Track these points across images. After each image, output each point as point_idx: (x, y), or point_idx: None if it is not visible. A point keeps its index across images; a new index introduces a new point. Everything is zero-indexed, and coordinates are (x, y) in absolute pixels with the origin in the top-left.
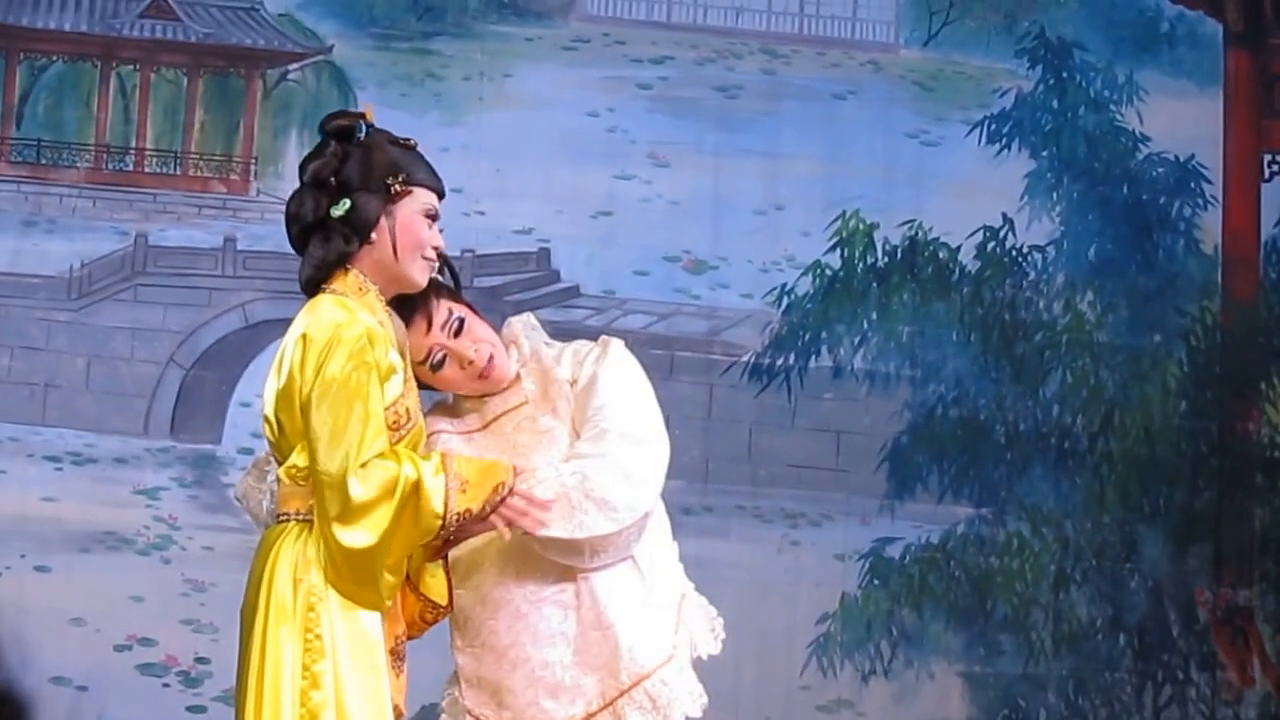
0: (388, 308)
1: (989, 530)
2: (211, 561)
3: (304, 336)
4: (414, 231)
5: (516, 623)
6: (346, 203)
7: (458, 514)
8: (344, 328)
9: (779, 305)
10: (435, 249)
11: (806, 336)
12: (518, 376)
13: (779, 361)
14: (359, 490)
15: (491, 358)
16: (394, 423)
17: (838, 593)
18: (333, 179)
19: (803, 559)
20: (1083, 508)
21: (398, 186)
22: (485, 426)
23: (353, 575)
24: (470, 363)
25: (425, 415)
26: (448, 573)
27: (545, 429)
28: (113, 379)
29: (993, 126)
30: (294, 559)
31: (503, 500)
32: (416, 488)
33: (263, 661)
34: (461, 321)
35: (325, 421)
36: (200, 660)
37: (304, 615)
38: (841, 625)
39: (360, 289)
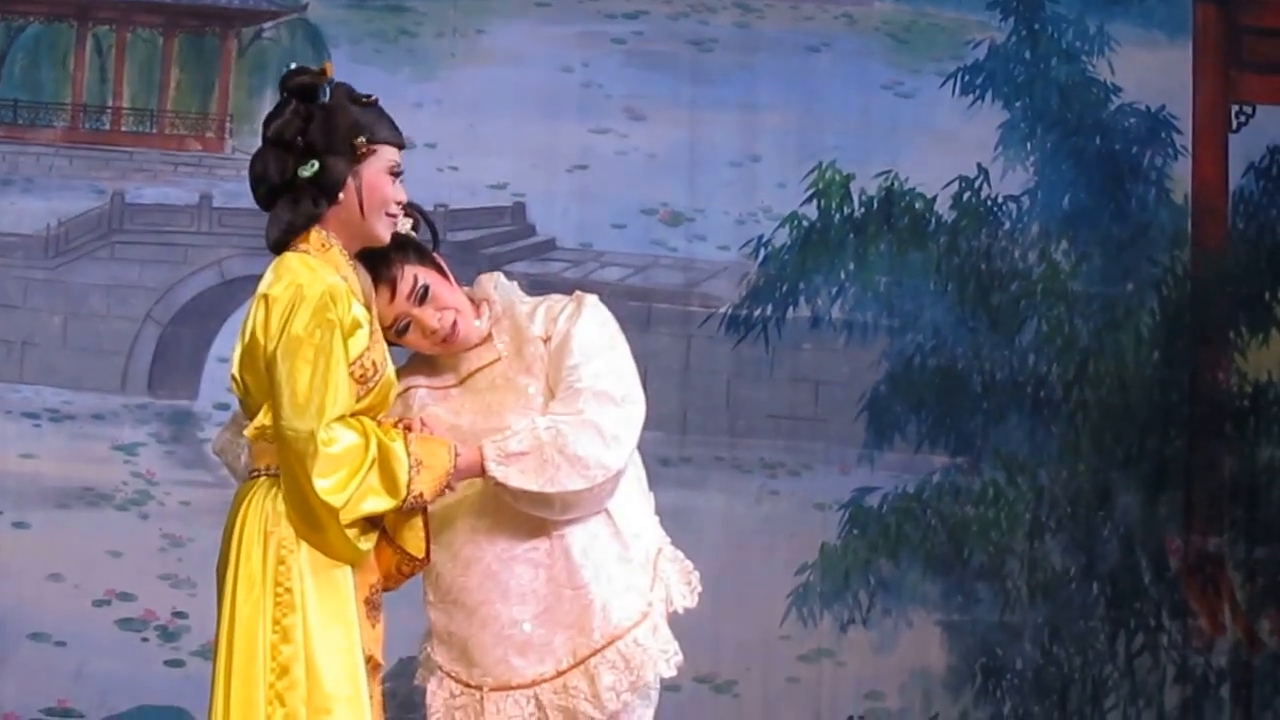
0: (353, 260)
1: (965, 479)
2: (189, 517)
3: (265, 296)
4: (380, 190)
5: (487, 580)
6: (315, 165)
7: (415, 496)
8: (306, 286)
9: (756, 257)
10: (399, 204)
11: (784, 287)
12: (490, 335)
13: (756, 313)
14: (330, 447)
15: (455, 325)
16: (360, 376)
17: (817, 542)
18: (299, 139)
19: (781, 509)
20: (1057, 456)
21: (364, 147)
22: (461, 383)
23: (326, 526)
24: (433, 331)
25: (401, 369)
26: (426, 525)
27: (520, 387)
28: (90, 336)
29: (966, 78)
30: (264, 513)
31: (446, 487)
32: (387, 459)
33: (234, 616)
34: (426, 289)
35: (290, 379)
36: (178, 615)
37: (274, 569)
38: (820, 575)
39: (324, 245)
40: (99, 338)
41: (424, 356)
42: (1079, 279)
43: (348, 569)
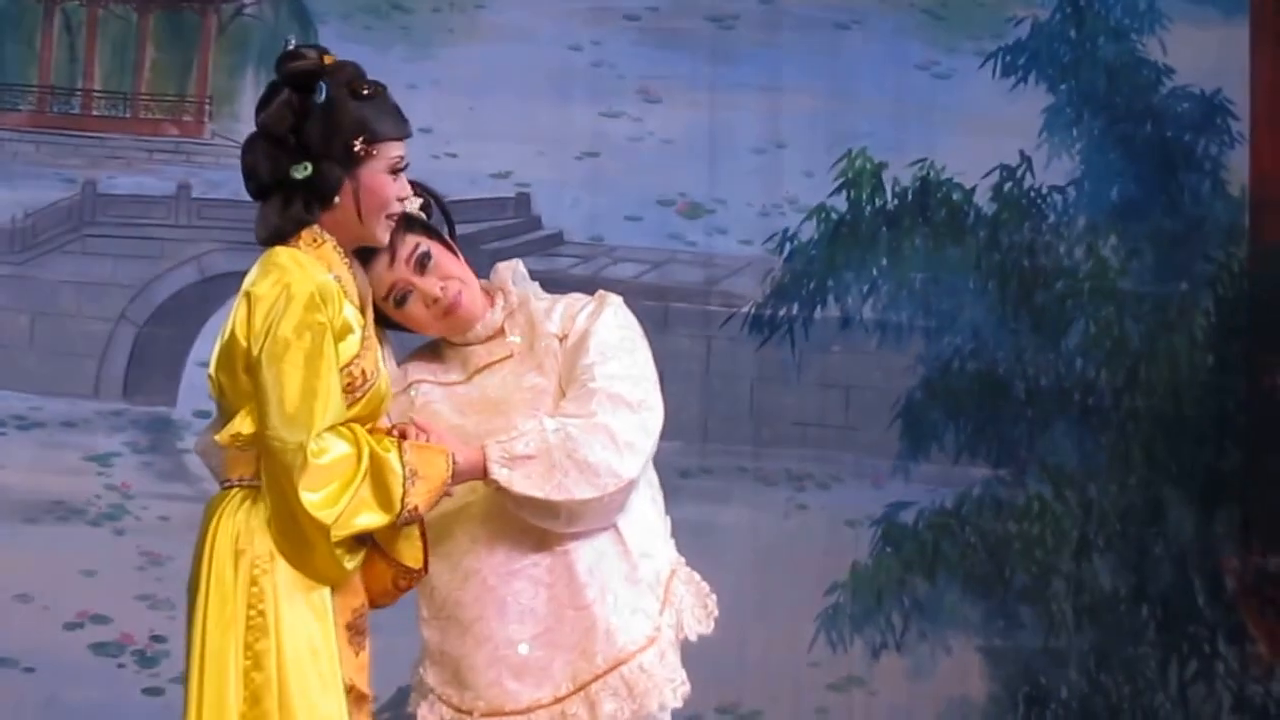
0: (348, 257)
1: (1007, 493)
2: (168, 532)
3: (249, 294)
4: (379, 193)
5: (484, 595)
6: (308, 166)
7: (410, 509)
8: (294, 284)
9: (781, 252)
10: (401, 199)
11: (811, 285)
12: (502, 328)
13: (782, 312)
14: (320, 459)
15: (459, 295)
16: (348, 384)
17: (847, 561)
18: (291, 136)
19: (809, 524)
20: (1106, 468)
21: (362, 150)
22: (469, 379)
23: (314, 544)
24: (435, 300)
25: (405, 362)
26: (424, 535)
27: (529, 385)
28: (60, 337)
29: (1007, 58)
30: (236, 529)
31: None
32: (380, 471)
33: (204, 640)
34: (427, 255)
35: (277, 385)
36: (157, 639)
37: (246, 590)
38: (851, 596)
39: (315, 241)
40: (69, 339)
41: (431, 349)
42: (1129, 277)
43: (326, 591)
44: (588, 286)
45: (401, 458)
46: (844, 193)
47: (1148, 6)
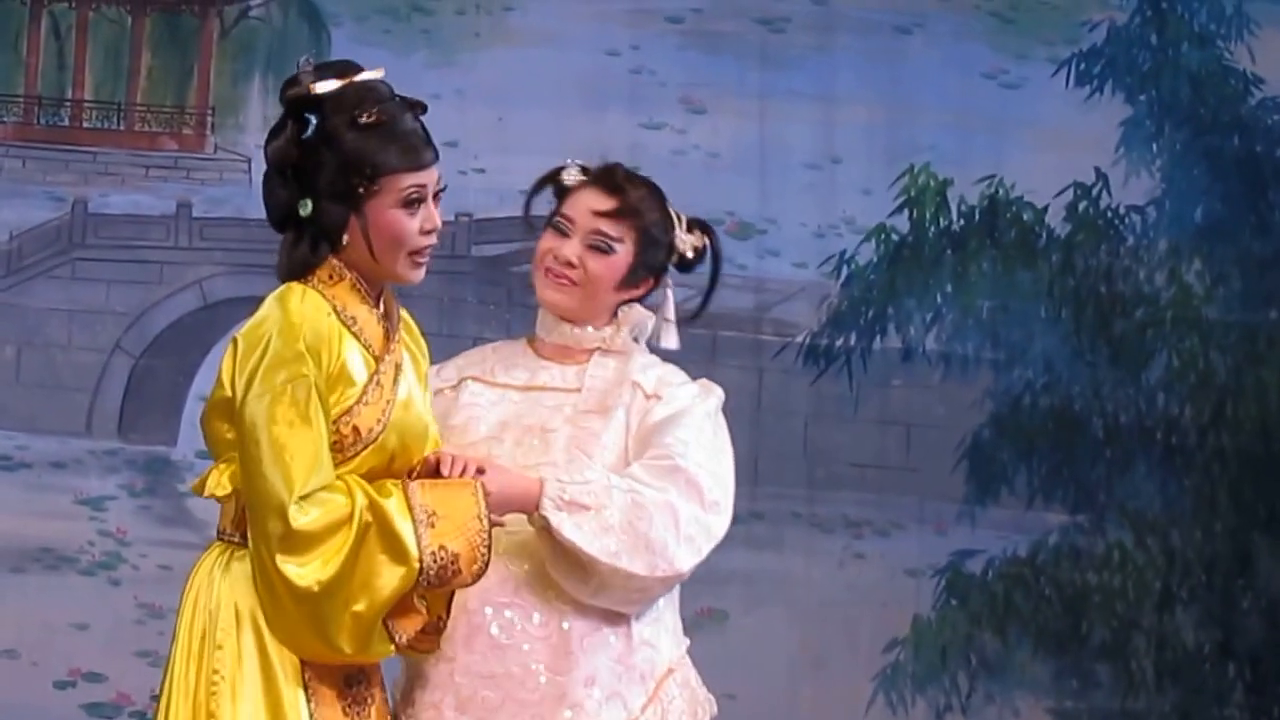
0: (373, 293)
1: (1085, 540)
2: (168, 582)
3: (236, 338)
4: (391, 230)
5: (462, 616)
6: (308, 204)
7: (433, 552)
8: (283, 329)
9: (837, 276)
10: (429, 231)
11: (870, 313)
12: (590, 356)
13: (838, 342)
14: (302, 519)
15: (565, 280)
16: (335, 442)
17: (909, 614)
18: (291, 171)
19: (867, 575)
20: (1190, 513)
21: (363, 186)
22: (526, 389)
23: (306, 620)
24: (549, 254)
25: (465, 354)
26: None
27: (584, 426)
28: (48, 370)
29: (1082, 65)
30: (211, 584)
31: (488, 526)
32: (382, 524)
33: (168, 704)
34: (604, 240)
35: (255, 441)
36: (157, 699)
37: (210, 651)
38: (913, 653)
39: (332, 277)
40: (59, 372)
41: (510, 346)
42: (1215, 304)
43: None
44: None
45: (409, 500)
46: (905, 212)
47: (1235, 10)
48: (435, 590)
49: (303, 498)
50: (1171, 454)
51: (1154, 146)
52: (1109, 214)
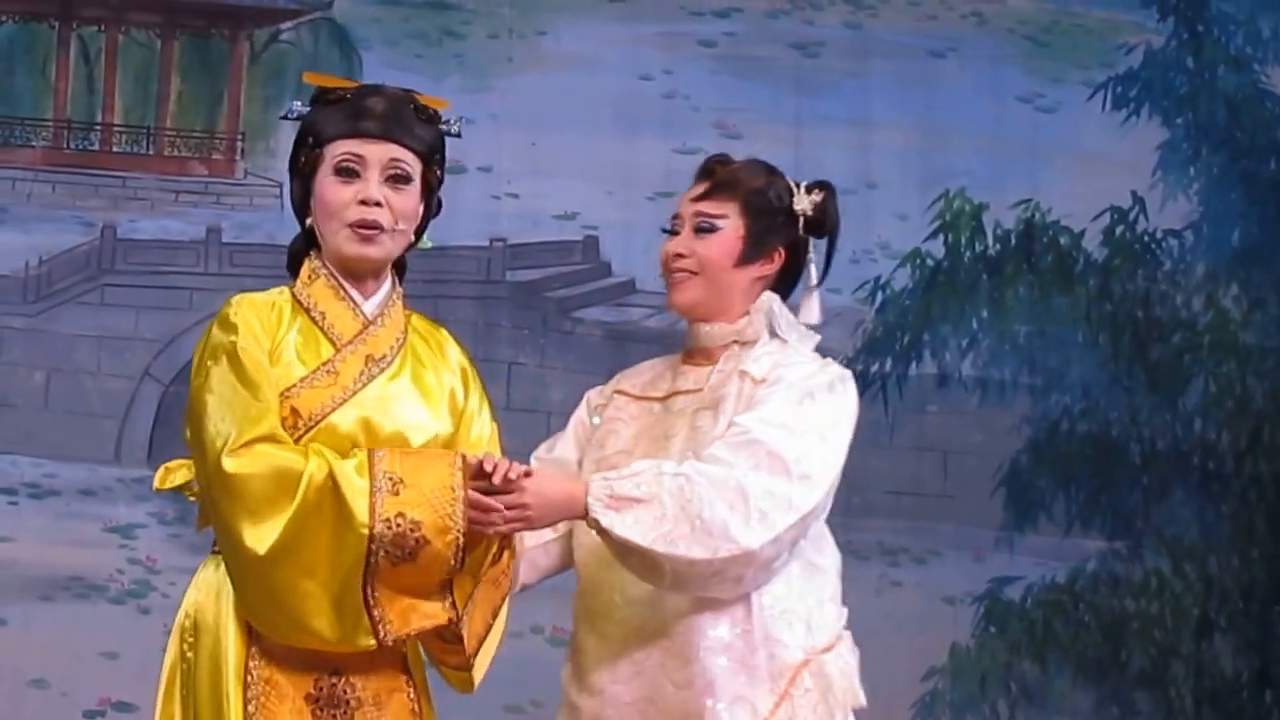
0: (352, 288)
1: (1123, 567)
2: None
3: None
4: (323, 198)
5: (603, 646)
6: (293, 190)
7: (388, 519)
8: (218, 320)
9: (872, 301)
10: (365, 203)
11: (906, 338)
12: (718, 357)
13: (874, 368)
14: (232, 464)
15: (682, 276)
16: (282, 419)
17: (947, 642)
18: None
19: (905, 602)
20: (1228, 540)
21: (305, 155)
22: (665, 398)
23: (263, 591)
24: (669, 255)
25: (626, 374)
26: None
27: (696, 425)
28: (77, 397)
29: (1118, 89)
30: (192, 594)
31: (461, 497)
32: (332, 488)
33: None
34: (709, 223)
35: (196, 412)
36: None
37: (179, 665)
38: (951, 681)
39: (310, 276)
40: (88, 398)
41: (667, 359)
42: (1252, 329)
43: (232, 661)
44: (662, 340)
45: (371, 466)
46: (941, 237)
47: (1271, 34)
48: (407, 565)
49: (238, 447)
50: (1209, 480)
51: (1191, 170)
52: (1146, 238)
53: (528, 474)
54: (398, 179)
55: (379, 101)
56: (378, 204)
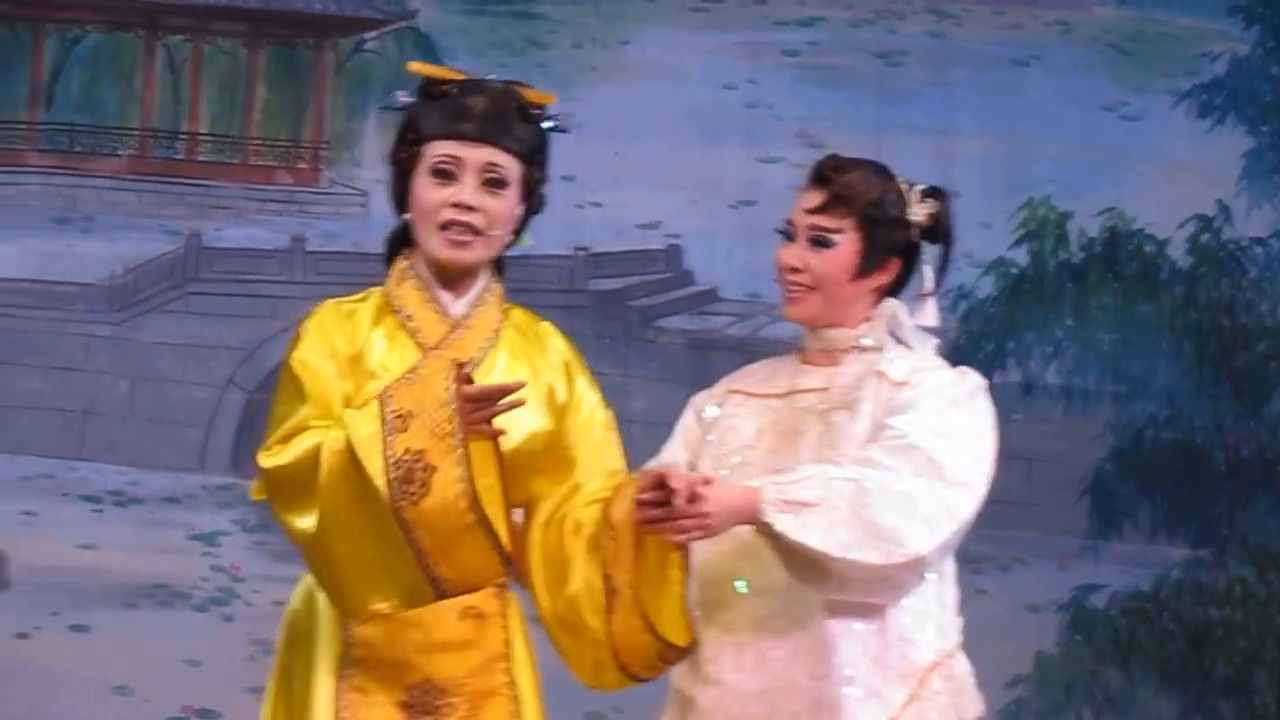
0: (442, 291)
1: (1208, 575)
2: (281, 619)
3: None
4: (418, 198)
5: (724, 637)
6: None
7: (397, 460)
8: (290, 340)
9: (956, 310)
10: (457, 205)
11: (990, 347)
12: (841, 358)
13: None
14: (266, 461)
15: (797, 292)
16: None
17: (1031, 650)
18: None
19: (988, 611)
20: None
21: (405, 151)
22: (785, 395)
23: (325, 572)
24: (787, 268)
25: (740, 373)
26: (684, 601)
27: (831, 421)
28: (161, 405)
29: (1204, 97)
30: (289, 601)
31: (459, 415)
32: (345, 448)
33: None
34: (822, 235)
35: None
36: None
37: (277, 672)
38: (1036, 689)
39: (399, 277)
40: (172, 407)
41: (781, 358)
42: None
43: (325, 669)
44: (744, 348)
45: (383, 409)
46: (1025, 245)
47: None
48: (429, 502)
49: (272, 444)
50: None
51: (1276, 178)
52: (1231, 246)
53: (707, 482)
54: (494, 183)
55: (480, 101)
56: (471, 208)
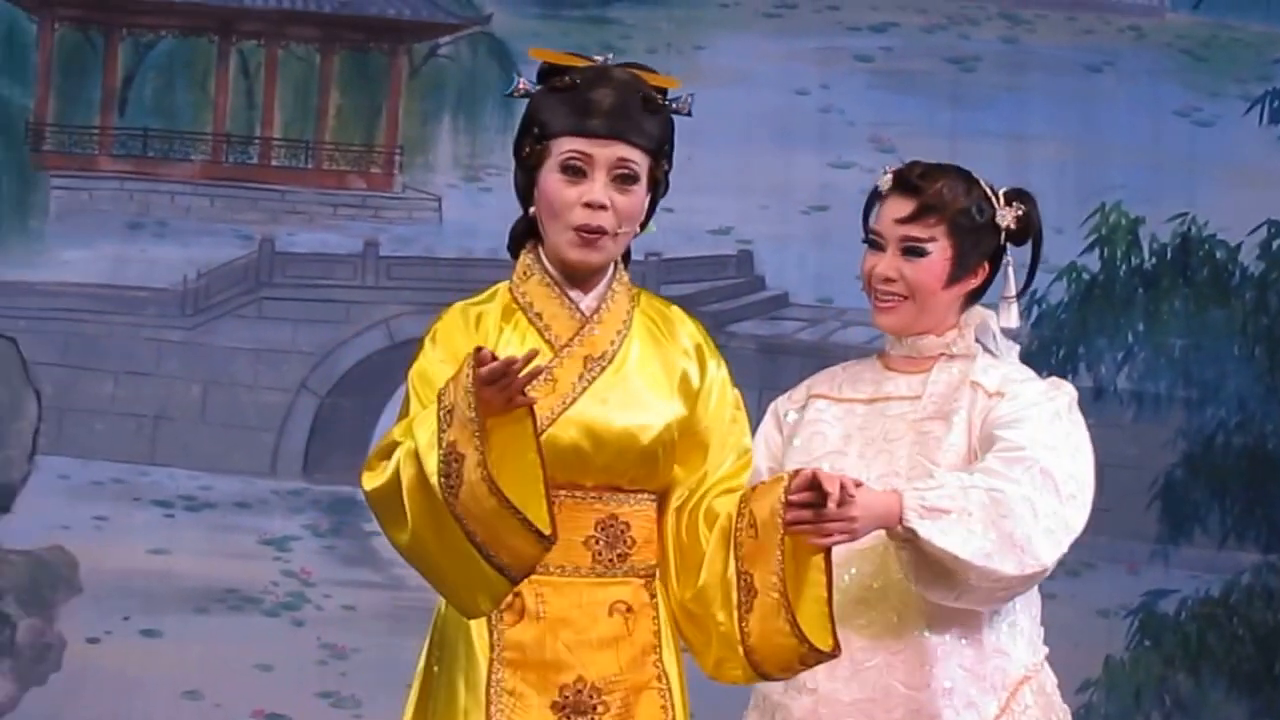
0: (570, 288)
1: (1278, 580)
2: (352, 623)
3: None
4: (546, 196)
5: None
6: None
7: (443, 458)
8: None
9: (1028, 315)
10: (590, 206)
11: (1061, 352)
12: (934, 361)
13: None
14: (366, 483)
15: (890, 300)
16: None
17: (1101, 655)
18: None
19: (1058, 615)
20: None
21: (530, 147)
22: (871, 401)
23: (431, 578)
24: (877, 276)
25: (817, 374)
26: (830, 604)
27: (925, 431)
28: (234, 409)
29: (1276, 103)
30: (436, 608)
31: (476, 398)
32: (413, 452)
33: None
34: (916, 246)
35: None
36: None
37: (424, 679)
38: (1105, 694)
39: (525, 272)
40: (244, 411)
41: (861, 362)
42: None
43: (471, 675)
44: (816, 353)
45: (439, 405)
46: (1097, 250)
47: None
48: (467, 494)
49: (370, 462)
50: None
51: None
52: None
53: (858, 484)
54: (625, 179)
55: (607, 94)
56: (603, 207)
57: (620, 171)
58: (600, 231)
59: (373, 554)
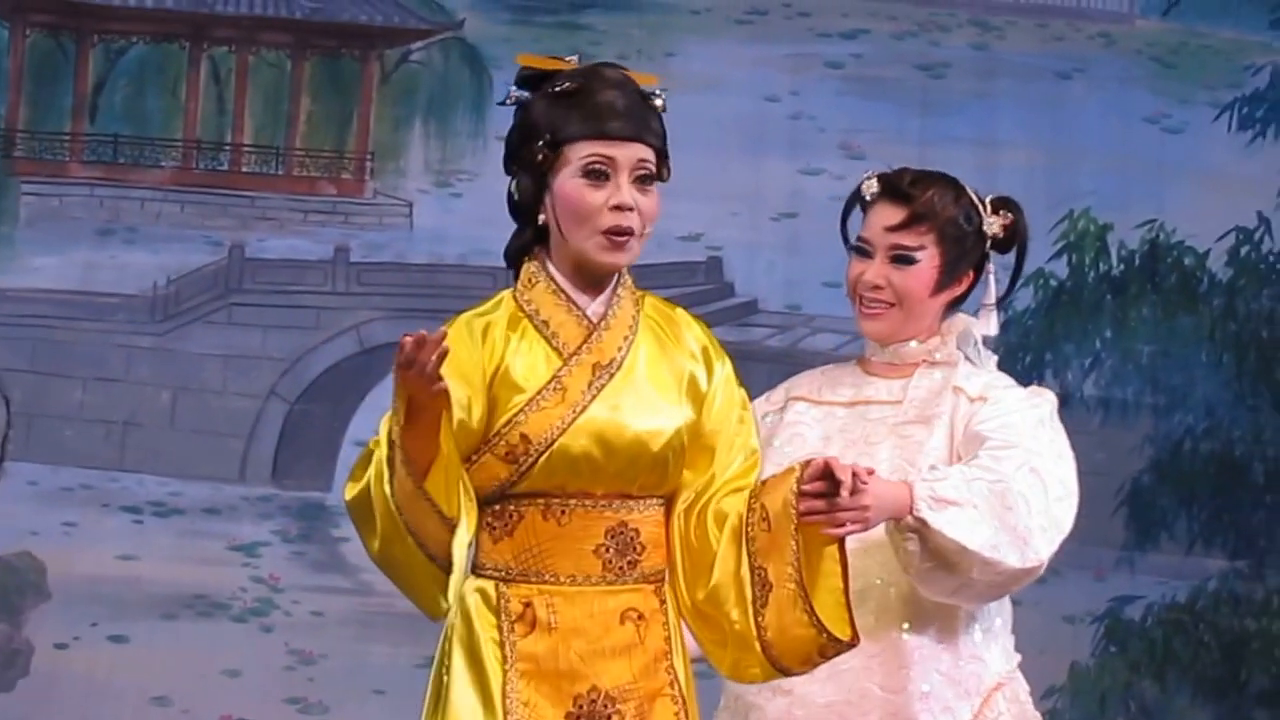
0: (576, 294)
1: (1245, 587)
2: (321, 629)
3: None
4: (570, 202)
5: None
6: (513, 183)
7: (388, 446)
8: None
9: None
10: (620, 208)
11: (1028, 359)
12: (914, 369)
13: None
14: (346, 493)
15: (878, 308)
16: (508, 453)
17: (1067, 661)
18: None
19: (1026, 621)
20: None
21: (543, 154)
22: (851, 404)
23: (399, 585)
24: (865, 283)
25: (795, 377)
26: (846, 594)
27: (906, 435)
28: (203, 415)
29: (1245, 110)
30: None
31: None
32: (369, 458)
33: None
34: (905, 259)
35: None
36: None
37: (435, 687)
38: (1071, 700)
39: (530, 280)
40: (213, 417)
41: (840, 366)
42: None
43: (482, 687)
44: (784, 359)
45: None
46: (1065, 256)
47: None
48: (399, 488)
49: (353, 472)
50: None
51: None
52: (1271, 258)
53: (870, 473)
54: (645, 179)
55: (617, 96)
56: (630, 209)
57: (641, 172)
58: (629, 233)
59: (341, 560)
